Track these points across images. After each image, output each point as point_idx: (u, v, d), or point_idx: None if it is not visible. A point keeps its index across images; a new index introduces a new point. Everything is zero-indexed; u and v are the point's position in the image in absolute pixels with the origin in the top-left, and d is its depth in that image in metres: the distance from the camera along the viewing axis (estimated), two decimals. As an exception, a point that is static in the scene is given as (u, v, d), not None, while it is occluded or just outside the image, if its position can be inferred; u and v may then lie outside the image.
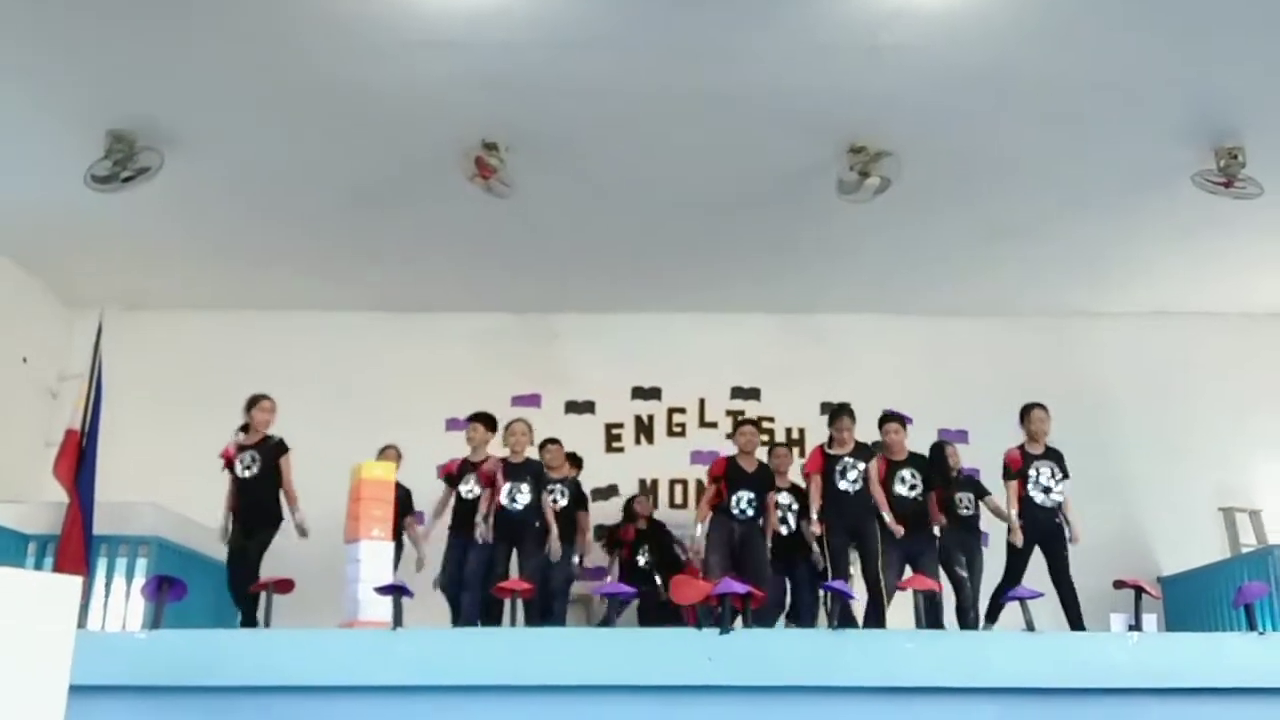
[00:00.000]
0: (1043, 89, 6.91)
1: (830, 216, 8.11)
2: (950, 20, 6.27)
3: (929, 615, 5.79)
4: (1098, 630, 6.54)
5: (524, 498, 7.27)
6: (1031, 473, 7.00)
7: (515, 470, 7.35)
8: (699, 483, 9.40)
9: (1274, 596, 7.74)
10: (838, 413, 7.38)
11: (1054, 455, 7.12)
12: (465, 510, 7.44)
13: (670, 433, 10.15)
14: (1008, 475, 7.07)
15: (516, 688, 4.91)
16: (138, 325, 9.62)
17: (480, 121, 7.20)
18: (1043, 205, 8.38)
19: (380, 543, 6.18)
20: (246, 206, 8.43)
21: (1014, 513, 6.95)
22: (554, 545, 7.35)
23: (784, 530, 7.53)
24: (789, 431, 9.79)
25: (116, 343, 8.36)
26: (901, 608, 6.56)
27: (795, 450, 9.10)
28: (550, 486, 7.68)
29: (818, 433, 8.23)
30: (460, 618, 7.24)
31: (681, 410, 10.20)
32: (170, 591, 5.28)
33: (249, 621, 6.80)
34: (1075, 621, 6.67)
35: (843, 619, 5.94)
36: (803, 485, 7.60)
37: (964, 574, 7.35)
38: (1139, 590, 5.90)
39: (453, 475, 7.59)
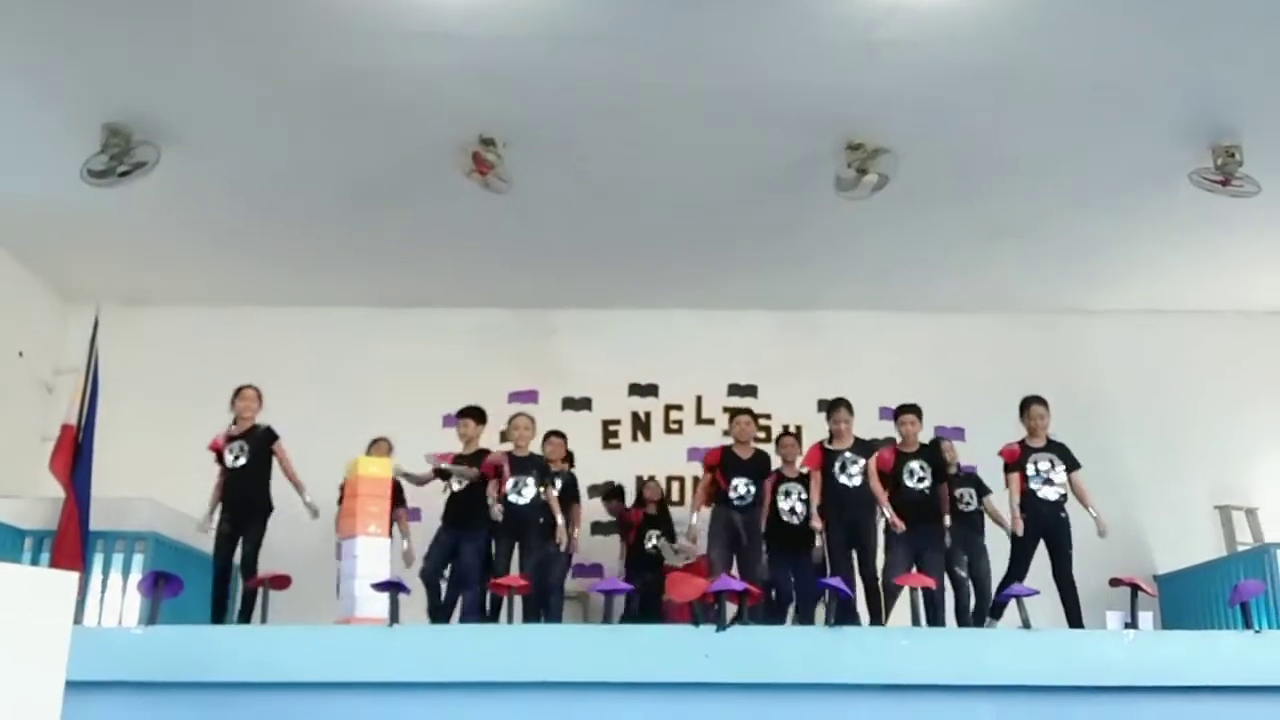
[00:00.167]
0: (1040, 87, 6.91)
1: (828, 213, 8.11)
2: (947, 17, 6.27)
3: (928, 612, 5.79)
4: (1094, 628, 6.55)
5: (529, 491, 7.26)
6: (1030, 467, 6.96)
7: (520, 464, 7.34)
8: (696, 479, 9.39)
9: (1270, 594, 7.75)
10: (835, 405, 7.39)
11: (1055, 448, 7.04)
12: (455, 503, 7.42)
13: (667, 429, 10.14)
14: (1007, 469, 7.05)
15: (513, 684, 4.91)
16: (135, 320, 9.62)
17: (478, 117, 7.19)
18: (1040, 203, 8.39)
19: (377, 539, 6.18)
20: (244, 201, 8.42)
21: (1016, 501, 6.92)
22: (563, 535, 7.34)
23: (795, 520, 7.52)
24: (786, 428, 9.77)
25: (113, 338, 8.34)
26: (905, 604, 6.54)
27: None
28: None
29: (815, 430, 8.24)
30: (438, 607, 7.20)
31: (679, 407, 10.20)
32: (166, 587, 5.29)
33: (219, 617, 6.81)
34: (1074, 619, 6.66)
35: (840, 616, 5.94)
36: None
37: (963, 574, 7.36)
38: (1135, 588, 5.91)
39: (444, 469, 7.55)
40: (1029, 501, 6.89)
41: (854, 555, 7.11)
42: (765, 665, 5.02)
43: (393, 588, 5.40)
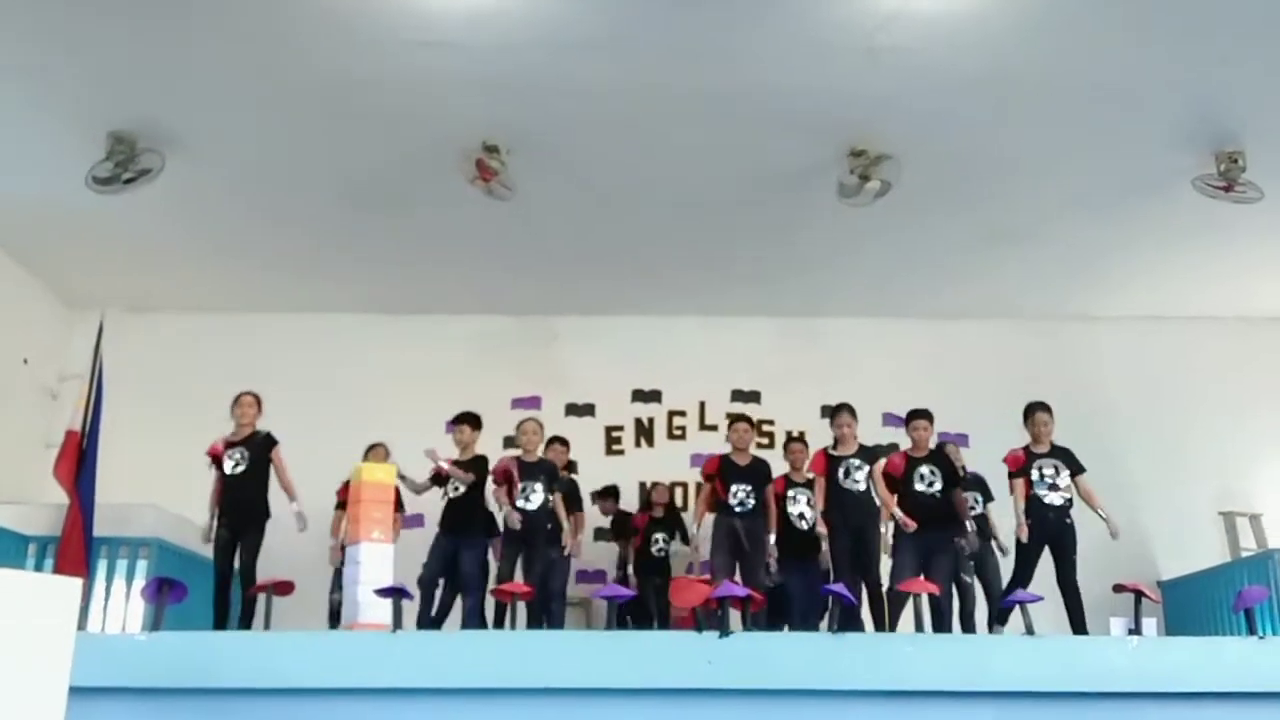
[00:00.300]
0: (1042, 93, 6.91)
1: (830, 219, 8.11)
2: (948, 23, 6.28)
3: (934, 619, 5.77)
4: (1098, 634, 6.53)
5: (537, 498, 7.24)
6: (1034, 472, 6.95)
7: (529, 470, 7.33)
8: (699, 485, 9.38)
9: (1274, 601, 7.74)
10: (838, 410, 7.39)
11: (1059, 453, 7.02)
12: (453, 510, 7.39)
13: (670, 435, 10.16)
14: (1011, 475, 7.04)
15: (516, 690, 4.91)
16: (139, 327, 9.65)
17: (480, 123, 7.21)
18: (1042, 208, 8.39)
19: (380, 545, 6.18)
20: (248, 208, 8.43)
21: (1021, 508, 6.91)
22: (568, 540, 7.34)
23: (804, 525, 7.51)
24: (789, 434, 9.78)
25: (117, 344, 8.38)
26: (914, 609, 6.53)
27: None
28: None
29: (818, 436, 8.23)
30: (431, 614, 7.18)
31: (682, 413, 10.20)
32: (170, 593, 5.28)
33: (221, 624, 6.82)
34: (1078, 625, 6.64)
35: (844, 622, 5.93)
36: None
37: (969, 580, 7.35)
38: (1139, 594, 5.89)
39: (440, 475, 7.52)
40: (1033, 507, 6.87)
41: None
42: (768, 671, 5.01)
43: (396, 594, 5.41)
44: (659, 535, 8.49)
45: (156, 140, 7.26)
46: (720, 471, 7.57)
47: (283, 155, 7.74)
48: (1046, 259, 9.20)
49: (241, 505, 7.09)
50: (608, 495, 9.07)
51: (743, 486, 7.47)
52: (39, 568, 7.48)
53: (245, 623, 6.87)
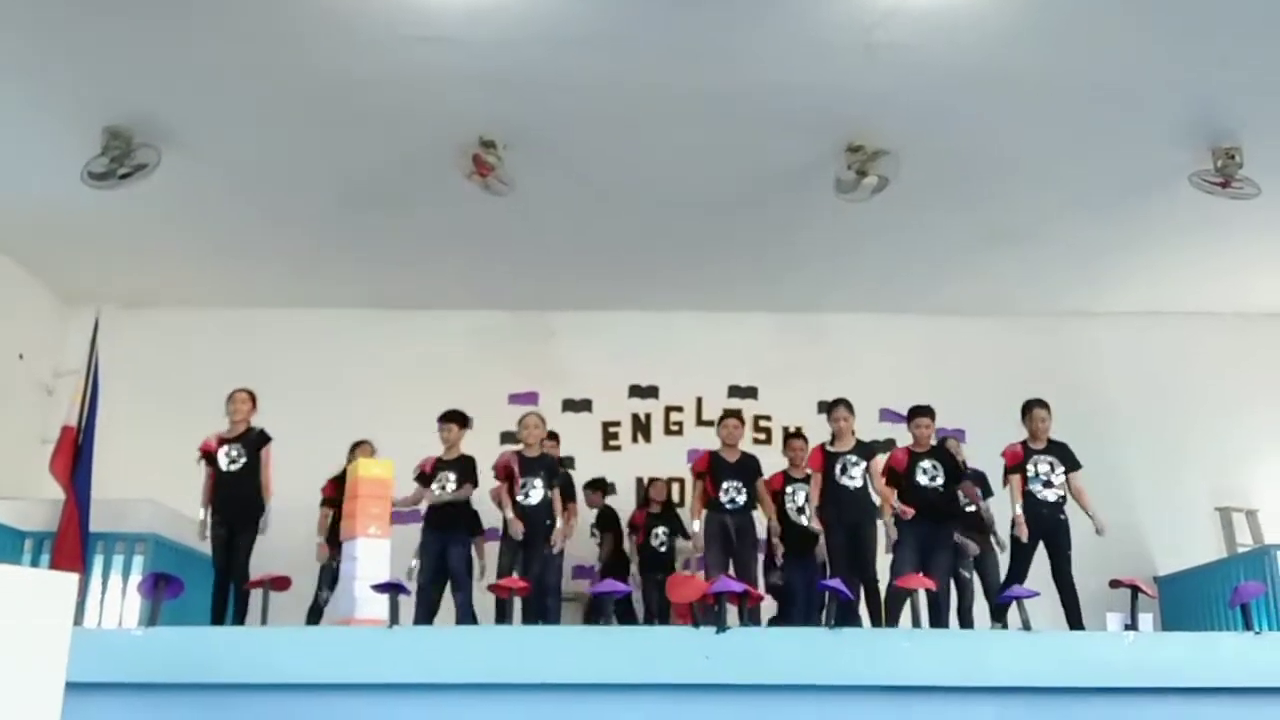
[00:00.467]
0: (1040, 89, 6.91)
1: (828, 216, 8.11)
2: (946, 20, 6.27)
3: (931, 614, 5.77)
4: (1094, 629, 6.54)
5: (537, 493, 7.23)
6: (1030, 468, 6.96)
7: (530, 465, 7.31)
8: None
9: (1270, 596, 7.75)
10: (835, 404, 7.38)
11: (1055, 449, 7.03)
12: (439, 508, 7.38)
13: (668, 431, 10.15)
14: (1008, 471, 7.05)
15: (512, 686, 4.90)
16: (135, 322, 9.63)
17: (478, 119, 7.20)
18: (1041, 205, 8.39)
19: (377, 540, 6.17)
20: (244, 204, 8.42)
21: (1018, 505, 6.92)
22: (558, 537, 7.33)
23: (804, 521, 7.50)
24: (786, 430, 9.78)
25: (113, 340, 8.35)
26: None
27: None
28: None
29: (815, 432, 8.22)
30: (427, 614, 7.18)
31: (679, 409, 10.19)
32: (167, 589, 5.28)
33: (219, 620, 6.82)
34: (1074, 621, 6.65)
35: (841, 617, 5.93)
36: None
37: (967, 576, 7.36)
38: (1135, 590, 5.90)
39: (426, 474, 7.48)
40: (1027, 504, 6.89)
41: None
42: (765, 667, 5.01)
43: (393, 589, 5.40)
44: (660, 530, 8.48)
45: (152, 135, 7.24)
46: (710, 469, 7.57)
47: (279, 150, 7.72)
48: (1045, 255, 9.20)
49: (238, 502, 7.09)
50: (596, 488, 9.05)
51: (733, 484, 7.48)
52: (35, 563, 7.46)
53: (239, 619, 6.87)
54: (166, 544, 7.82)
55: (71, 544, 7.38)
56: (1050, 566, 6.83)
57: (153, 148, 7.23)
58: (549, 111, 7.17)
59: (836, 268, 9.47)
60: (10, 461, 8.97)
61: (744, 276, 9.63)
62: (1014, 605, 5.78)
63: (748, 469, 7.60)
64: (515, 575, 6.72)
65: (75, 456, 7.72)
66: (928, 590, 6.27)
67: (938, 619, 6.70)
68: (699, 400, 10.18)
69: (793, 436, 8.37)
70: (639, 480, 9.66)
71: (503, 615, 7.01)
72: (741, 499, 7.45)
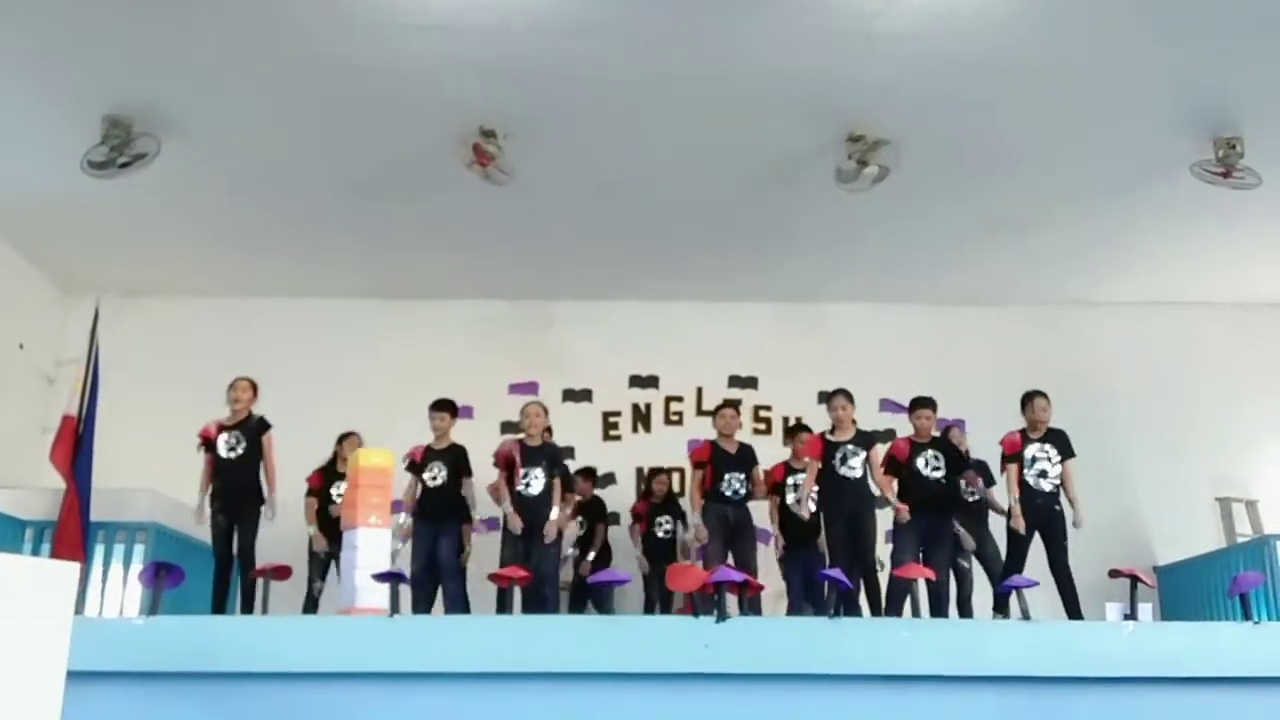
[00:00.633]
0: (1041, 79, 6.89)
1: (829, 205, 8.09)
2: (947, 9, 6.25)
3: (931, 604, 5.78)
4: (1093, 619, 6.54)
5: (538, 483, 7.23)
6: (1028, 457, 6.97)
7: (531, 455, 7.31)
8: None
9: (1269, 586, 7.76)
10: (834, 393, 7.38)
11: (1053, 437, 7.04)
12: (429, 496, 7.39)
13: (668, 421, 10.14)
14: (1005, 460, 7.06)
15: (513, 675, 4.91)
16: (135, 311, 9.63)
17: (478, 108, 7.18)
18: (1041, 194, 8.38)
19: (378, 530, 6.18)
20: (243, 193, 8.40)
21: (1015, 497, 6.93)
22: (551, 528, 7.33)
23: (805, 514, 7.52)
24: (786, 420, 9.79)
25: (113, 329, 8.36)
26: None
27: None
28: None
29: (815, 422, 8.24)
30: (425, 603, 7.18)
31: (679, 399, 10.19)
32: (168, 578, 5.27)
33: (220, 609, 6.84)
34: (1073, 610, 6.66)
35: (840, 607, 5.94)
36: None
37: (967, 565, 7.37)
38: (1135, 579, 5.90)
39: (416, 463, 7.47)
40: (1024, 493, 6.91)
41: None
42: (765, 656, 5.02)
43: (393, 578, 5.41)
44: (663, 518, 8.50)
45: (152, 124, 7.23)
46: (711, 459, 7.57)
47: (279, 139, 7.70)
48: (1045, 245, 9.19)
49: (238, 489, 7.11)
50: (587, 476, 9.03)
51: (735, 475, 7.50)
52: (36, 552, 7.48)
53: (247, 607, 6.88)
54: (167, 533, 7.83)
55: (72, 533, 7.40)
56: (1046, 556, 6.85)
57: (152, 137, 7.22)
58: (548, 100, 7.15)
59: (837, 257, 9.46)
60: (11, 451, 8.97)
61: (745, 266, 9.61)
62: (1013, 595, 5.79)
63: (747, 459, 7.61)
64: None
65: (76, 445, 7.73)
66: (928, 580, 6.28)
67: (938, 609, 6.72)
68: (699, 390, 10.17)
69: (797, 429, 8.37)
70: (639, 470, 9.66)
71: (504, 605, 7.02)
72: (744, 490, 7.46)
